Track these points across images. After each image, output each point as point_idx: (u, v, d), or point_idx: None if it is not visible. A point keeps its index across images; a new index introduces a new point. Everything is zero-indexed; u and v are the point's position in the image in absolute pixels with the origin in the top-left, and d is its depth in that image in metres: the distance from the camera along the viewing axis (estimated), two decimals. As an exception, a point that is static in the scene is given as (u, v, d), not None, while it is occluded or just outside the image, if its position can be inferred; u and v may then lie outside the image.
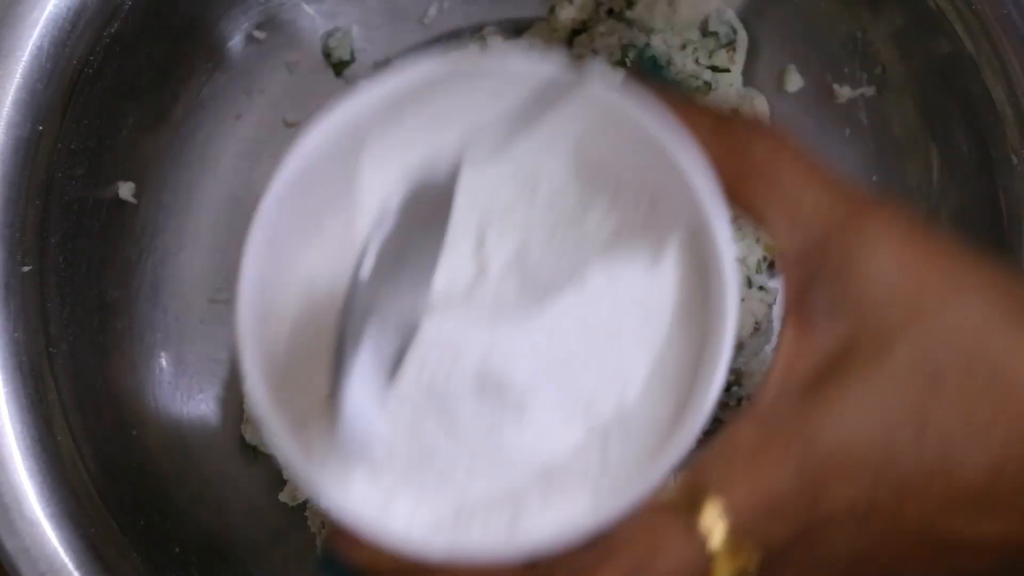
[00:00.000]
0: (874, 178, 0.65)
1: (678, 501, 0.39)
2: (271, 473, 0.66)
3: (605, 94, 0.43)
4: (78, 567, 0.54)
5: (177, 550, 0.61)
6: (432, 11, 0.68)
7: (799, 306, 0.41)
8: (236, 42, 0.66)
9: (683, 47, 0.64)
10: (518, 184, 0.47)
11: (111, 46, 0.58)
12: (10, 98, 0.55)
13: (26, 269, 0.56)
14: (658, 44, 0.63)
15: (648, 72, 0.45)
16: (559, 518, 0.42)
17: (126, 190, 0.63)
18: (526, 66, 0.44)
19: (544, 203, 0.47)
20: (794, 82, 0.65)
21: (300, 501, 0.65)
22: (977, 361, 0.39)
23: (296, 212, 0.45)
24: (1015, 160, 0.57)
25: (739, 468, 0.39)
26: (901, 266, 0.40)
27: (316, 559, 0.47)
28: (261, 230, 0.43)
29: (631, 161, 0.45)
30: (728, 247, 0.42)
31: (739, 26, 0.65)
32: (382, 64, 0.69)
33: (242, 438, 0.66)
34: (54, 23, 0.55)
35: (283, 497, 0.65)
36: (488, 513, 0.43)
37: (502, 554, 0.41)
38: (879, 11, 0.62)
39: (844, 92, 0.65)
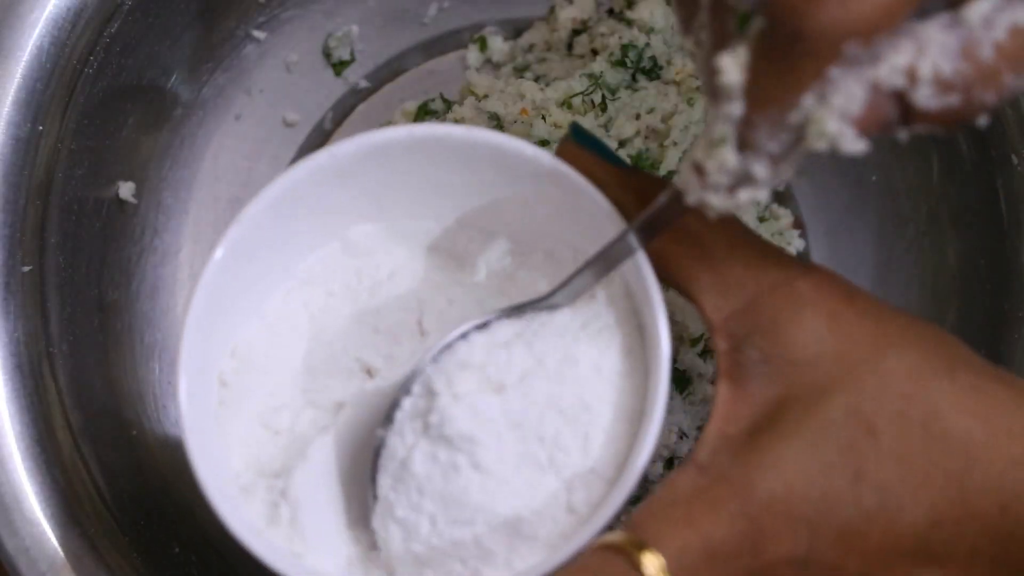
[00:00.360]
0: (874, 178, 0.65)
1: (623, 544, 0.40)
2: (271, 473, 0.66)
3: (537, 162, 0.45)
4: (78, 566, 0.54)
5: (177, 550, 0.61)
6: (432, 11, 0.68)
7: (732, 365, 0.42)
8: (236, 42, 0.66)
9: (682, 46, 0.64)
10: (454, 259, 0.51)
11: (111, 46, 0.58)
12: (10, 98, 0.55)
13: (26, 269, 0.56)
14: (658, 44, 0.63)
15: (582, 143, 0.46)
16: (521, 565, 0.44)
17: (126, 190, 0.63)
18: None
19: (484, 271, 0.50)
20: (794, 82, 0.65)
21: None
22: (909, 413, 0.40)
23: (236, 282, 0.46)
24: (1015, 160, 0.56)
25: (678, 519, 0.40)
26: (831, 324, 0.41)
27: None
28: (203, 300, 0.45)
29: (562, 227, 0.47)
30: (658, 299, 0.44)
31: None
32: (382, 65, 0.69)
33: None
34: (54, 23, 0.55)
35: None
36: (450, 564, 0.44)
37: None
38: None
39: (844, 92, 0.65)
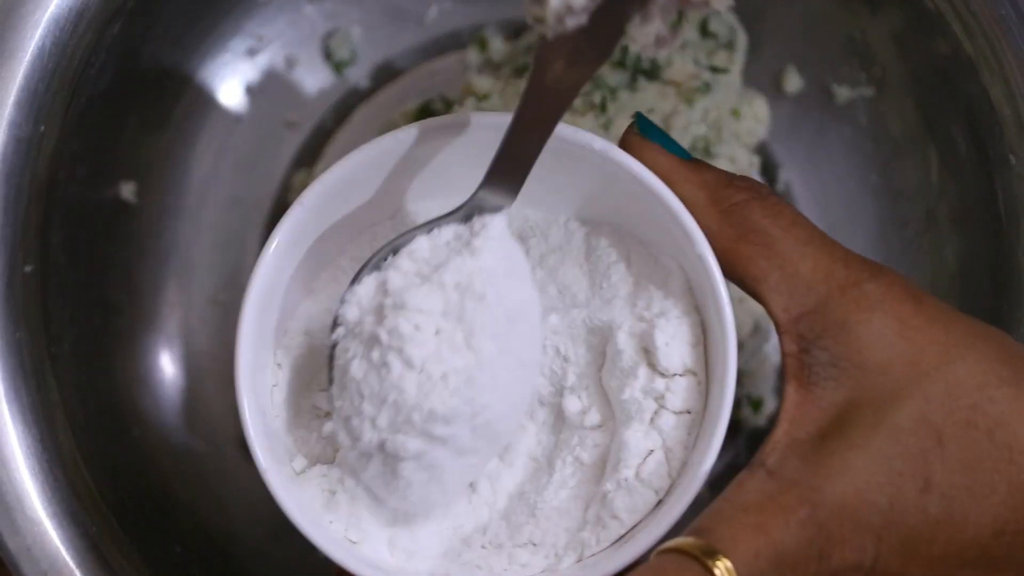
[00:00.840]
0: (873, 177, 0.65)
1: (693, 549, 0.40)
2: (272, 472, 0.66)
3: (607, 155, 0.45)
4: (79, 566, 0.54)
5: (178, 549, 0.61)
6: (432, 11, 0.68)
7: (800, 367, 0.42)
8: (236, 42, 0.66)
9: (682, 47, 0.64)
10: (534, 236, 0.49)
11: (112, 47, 0.58)
12: (12, 98, 0.55)
13: (28, 269, 0.56)
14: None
15: (648, 135, 0.46)
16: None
17: (127, 190, 0.63)
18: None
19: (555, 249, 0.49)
20: (793, 83, 0.66)
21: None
22: (976, 422, 0.41)
23: (292, 265, 0.46)
24: (1013, 160, 0.57)
25: (748, 525, 0.40)
26: (900, 329, 0.41)
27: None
28: (259, 285, 0.45)
29: (631, 218, 0.47)
30: (726, 304, 0.43)
31: (738, 27, 0.65)
32: (382, 65, 0.69)
33: (242, 437, 0.66)
34: (56, 24, 0.55)
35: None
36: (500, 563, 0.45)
37: None
38: (878, 12, 0.62)
39: (843, 92, 0.65)
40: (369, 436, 0.43)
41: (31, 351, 0.56)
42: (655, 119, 0.62)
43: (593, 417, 0.47)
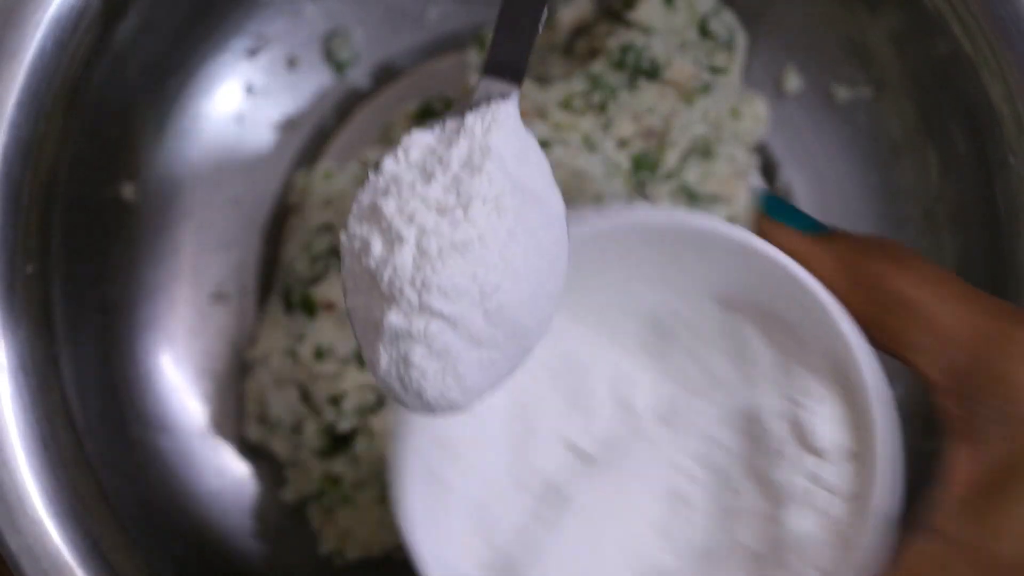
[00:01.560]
0: (873, 177, 0.65)
1: None
2: (272, 472, 0.66)
3: (744, 244, 0.44)
4: (81, 566, 0.54)
5: (178, 549, 0.61)
6: (432, 11, 0.68)
7: (964, 425, 0.42)
8: (237, 42, 0.66)
9: (681, 47, 0.64)
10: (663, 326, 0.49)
11: (113, 47, 0.58)
12: (13, 99, 0.55)
13: (29, 269, 0.56)
14: (657, 45, 0.63)
15: (774, 213, 0.46)
16: None
17: (128, 190, 0.63)
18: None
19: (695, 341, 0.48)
20: (793, 83, 0.66)
21: (301, 499, 0.65)
22: None
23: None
24: (1012, 160, 0.57)
25: None
26: None
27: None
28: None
29: (771, 299, 0.46)
30: (875, 379, 0.43)
31: (738, 27, 0.65)
32: (382, 65, 0.69)
33: (243, 437, 0.66)
34: (57, 24, 0.55)
35: (284, 495, 0.65)
36: None
37: None
38: (877, 13, 0.62)
39: (843, 92, 0.65)
40: (375, 317, 0.41)
41: (32, 351, 0.56)
42: (655, 119, 0.62)
43: (752, 499, 0.47)
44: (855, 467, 0.45)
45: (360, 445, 0.63)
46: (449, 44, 0.69)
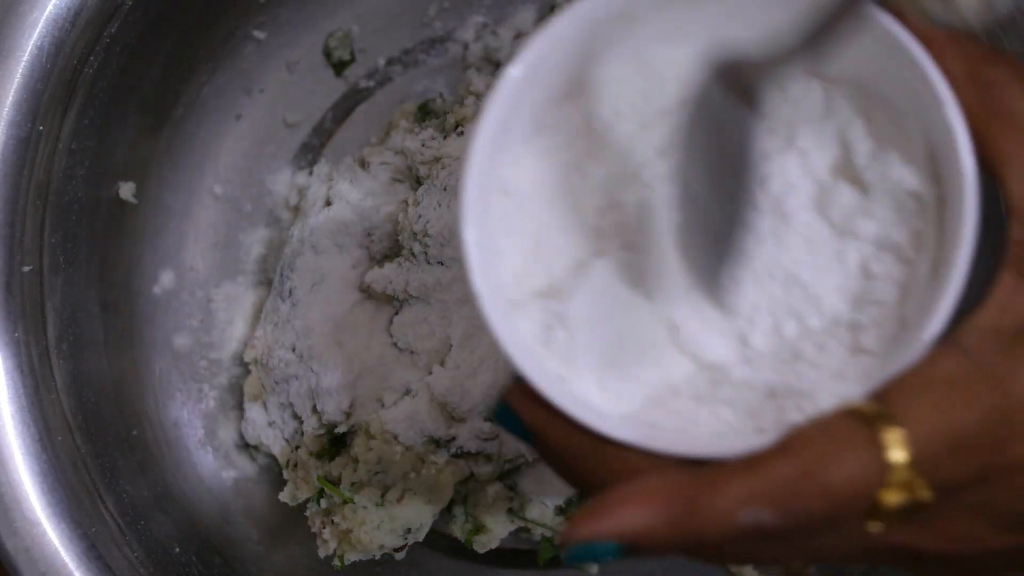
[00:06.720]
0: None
1: (866, 414, 0.39)
2: (271, 473, 0.66)
3: (867, 13, 0.43)
4: (78, 567, 0.54)
5: (177, 550, 0.61)
6: (432, 11, 0.68)
7: (1022, 256, 0.41)
8: (236, 42, 0.66)
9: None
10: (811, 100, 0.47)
11: (111, 46, 0.58)
12: (10, 98, 0.55)
13: (26, 269, 0.56)
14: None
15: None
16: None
17: (126, 190, 0.63)
18: None
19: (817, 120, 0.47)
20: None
21: (300, 501, 0.65)
22: None
23: (525, 99, 0.45)
24: (1014, 160, 0.56)
25: (932, 400, 0.39)
26: None
27: (494, 408, 0.46)
28: (495, 112, 0.43)
29: (876, 77, 0.45)
30: (970, 168, 0.42)
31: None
32: (382, 65, 0.69)
33: (242, 437, 0.66)
34: (54, 23, 0.55)
35: (283, 497, 0.64)
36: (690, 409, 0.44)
37: (689, 451, 0.42)
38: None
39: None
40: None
41: (30, 351, 0.56)
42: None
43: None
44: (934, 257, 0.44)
45: (359, 446, 0.63)
46: (449, 44, 0.68)
